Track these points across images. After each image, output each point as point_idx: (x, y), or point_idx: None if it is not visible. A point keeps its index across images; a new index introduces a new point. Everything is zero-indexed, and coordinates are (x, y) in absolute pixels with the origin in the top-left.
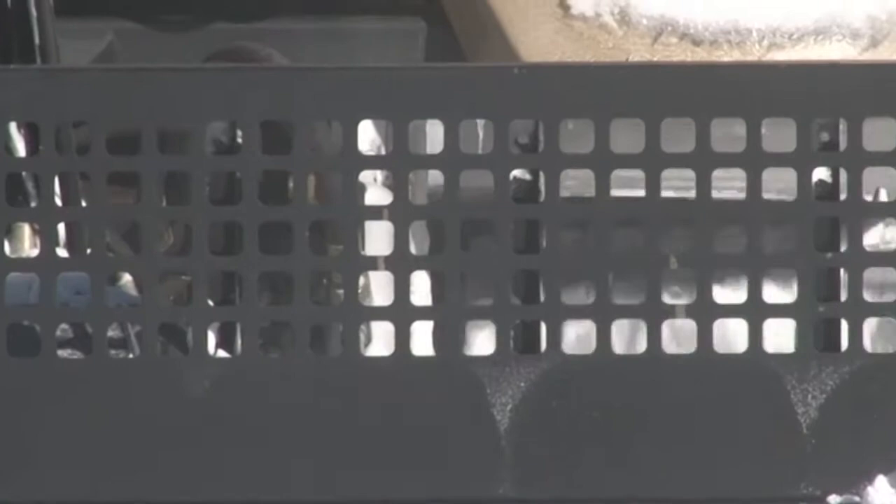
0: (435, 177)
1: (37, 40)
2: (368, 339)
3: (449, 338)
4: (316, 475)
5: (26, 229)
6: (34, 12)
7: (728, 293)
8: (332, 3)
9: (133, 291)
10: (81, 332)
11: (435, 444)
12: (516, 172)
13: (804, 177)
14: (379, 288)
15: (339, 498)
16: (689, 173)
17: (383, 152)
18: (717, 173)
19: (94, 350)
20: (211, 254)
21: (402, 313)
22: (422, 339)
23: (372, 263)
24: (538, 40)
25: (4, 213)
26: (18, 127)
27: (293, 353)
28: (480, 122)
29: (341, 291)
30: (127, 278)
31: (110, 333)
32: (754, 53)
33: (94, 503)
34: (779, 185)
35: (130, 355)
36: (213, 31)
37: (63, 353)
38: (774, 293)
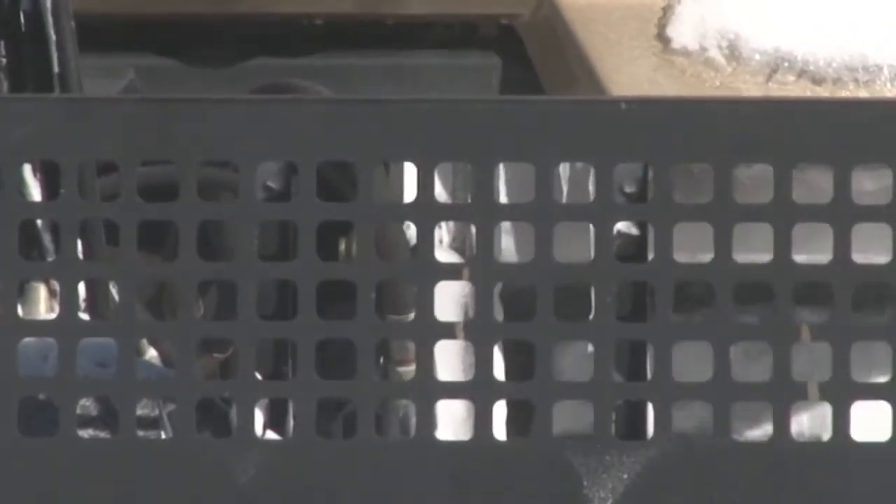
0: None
1: (56, 68)
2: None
3: (540, 420)
4: None
5: (42, 291)
6: (52, 36)
7: (866, 372)
8: (392, 36)
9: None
10: (106, 408)
11: None
12: (620, 226)
13: None
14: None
15: None
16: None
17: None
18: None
19: (122, 430)
20: (260, 318)
21: (484, 391)
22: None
23: (448, 331)
24: (634, 78)
25: (17, 268)
26: (34, 170)
27: (356, 435)
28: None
29: (402, 368)
30: (151, 353)
31: (139, 412)
32: (885, 93)
33: None
34: None
35: (163, 435)
36: (252, 68)
37: (85, 432)
38: None
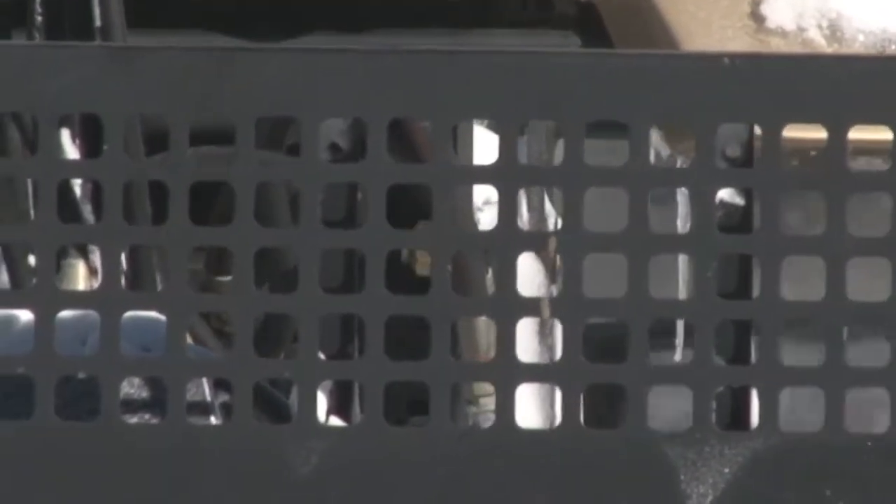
0: None
1: (98, 21)
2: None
3: (633, 407)
4: None
5: (80, 268)
6: None
7: None
8: (462, 14)
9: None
10: (153, 391)
11: None
12: (723, 195)
13: None
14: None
15: None
16: None
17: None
18: None
19: (170, 414)
20: (324, 292)
21: (573, 374)
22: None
23: (532, 308)
24: None
25: (55, 233)
26: (72, 134)
27: (429, 422)
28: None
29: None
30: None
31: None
32: None
33: None
34: None
35: (213, 421)
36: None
37: (129, 417)
38: None
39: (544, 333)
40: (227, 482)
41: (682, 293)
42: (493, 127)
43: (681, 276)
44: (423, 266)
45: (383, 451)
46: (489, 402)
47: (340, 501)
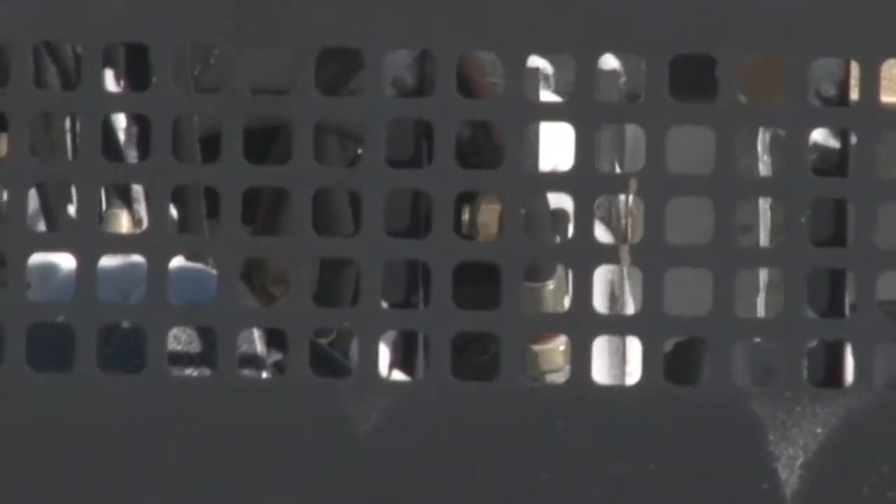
0: None
1: None
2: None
3: (718, 362)
4: None
5: (123, 218)
6: None
7: None
8: None
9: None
10: (201, 343)
11: None
12: (817, 136)
13: None
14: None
15: None
16: None
17: None
18: None
19: (220, 368)
20: (387, 235)
21: (655, 325)
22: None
23: (612, 254)
24: None
25: (98, 170)
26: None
27: (498, 376)
28: None
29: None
30: None
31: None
32: None
33: None
34: None
35: (264, 375)
36: None
37: (176, 371)
38: None
39: (613, 298)
40: (281, 440)
41: (764, 241)
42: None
43: (762, 223)
44: (485, 237)
45: (450, 408)
46: (559, 379)
47: (403, 461)
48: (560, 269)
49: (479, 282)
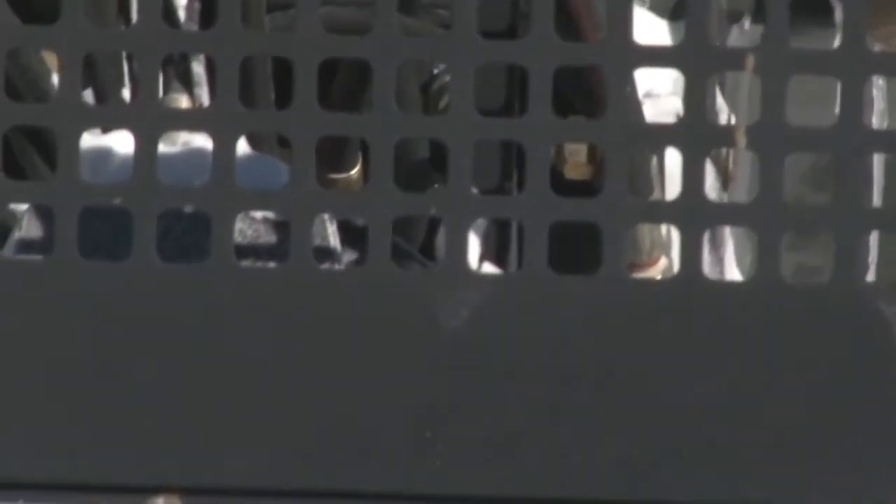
0: None
1: None
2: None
3: (842, 255)
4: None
5: (184, 104)
6: None
7: None
8: None
9: None
10: (269, 236)
11: (809, 410)
12: None
13: None
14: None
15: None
16: None
17: None
18: None
19: (293, 258)
20: (478, 113)
21: (773, 214)
22: None
23: (726, 136)
24: None
25: (161, 38)
26: None
27: (601, 269)
28: None
29: None
30: None
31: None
32: None
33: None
34: None
35: (337, 267)
36: None
37: (245, 261)
38: None
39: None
40: (360, 338)
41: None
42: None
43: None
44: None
45: (546, 303)
46: None
47: (494, 360)
48: None
49: None
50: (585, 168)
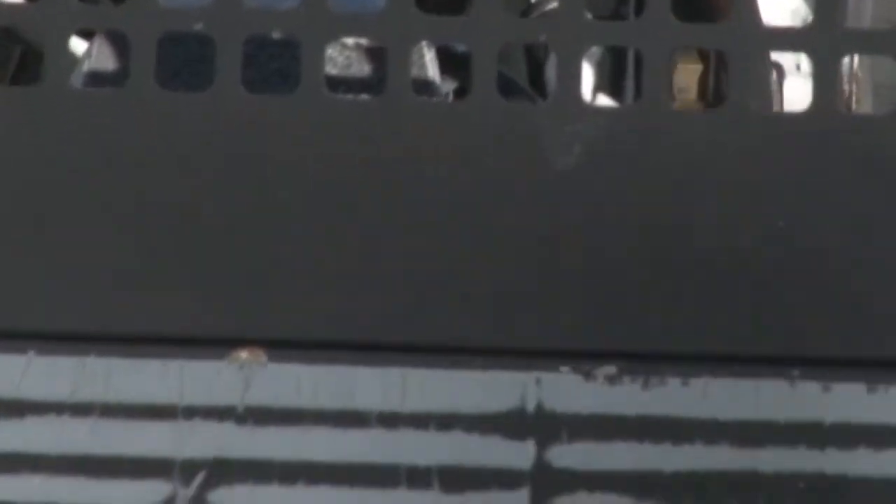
0: None
1: None
2: None
3: None
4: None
5: None
6: None
7: None
8: None
9: None
10: (362, 65)
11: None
12: None
13: None
14: None
15: None
16: None
17: None
18: None
19: (390, 88)
20: None
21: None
22: None
23: None
24: None
25: None
26: None
27: (726, 100)
28: None
29: None
30: None
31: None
32: None
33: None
34: None
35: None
36: None
37: (335, 94)
38: None
39: None
40: (462, 178)
41: None
42: None
43: None
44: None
45: (665, 138)
46: None
47: (608, 199)
48: None
49: None
50: (695, 106)
